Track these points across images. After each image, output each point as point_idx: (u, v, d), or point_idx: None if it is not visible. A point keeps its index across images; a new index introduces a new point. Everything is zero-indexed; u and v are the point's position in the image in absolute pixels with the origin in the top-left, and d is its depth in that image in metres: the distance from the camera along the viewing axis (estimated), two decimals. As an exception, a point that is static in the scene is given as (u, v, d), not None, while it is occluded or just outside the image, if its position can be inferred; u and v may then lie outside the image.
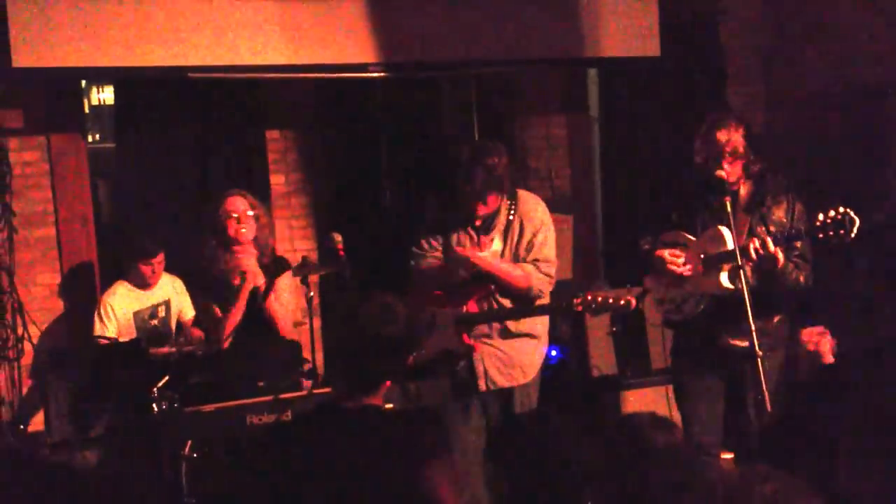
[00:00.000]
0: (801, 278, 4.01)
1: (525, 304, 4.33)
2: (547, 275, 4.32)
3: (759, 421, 3.95)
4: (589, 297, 4.19)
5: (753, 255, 3.85)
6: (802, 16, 6.10)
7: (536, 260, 4.30)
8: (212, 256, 4.50)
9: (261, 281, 4.50)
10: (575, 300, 4.22)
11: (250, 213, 4.50)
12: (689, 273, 4.11)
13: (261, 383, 4.02)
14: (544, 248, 4.33)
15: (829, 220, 3.74)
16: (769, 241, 3.85)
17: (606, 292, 4.24)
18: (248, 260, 4.48)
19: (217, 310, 4.48)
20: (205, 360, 4.37)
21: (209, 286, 4.53)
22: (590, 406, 5.54)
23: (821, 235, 3.77)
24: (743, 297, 3.74)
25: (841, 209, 3.72)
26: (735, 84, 6.33)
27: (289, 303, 4.58)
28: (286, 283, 4.57)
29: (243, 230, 4.48)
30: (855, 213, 3.69)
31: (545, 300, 4.40)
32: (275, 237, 4.71)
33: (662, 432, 2.34)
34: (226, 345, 4.37)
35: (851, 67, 5.76)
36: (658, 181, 5.80)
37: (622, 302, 4.15)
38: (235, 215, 4.48)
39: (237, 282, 4.45)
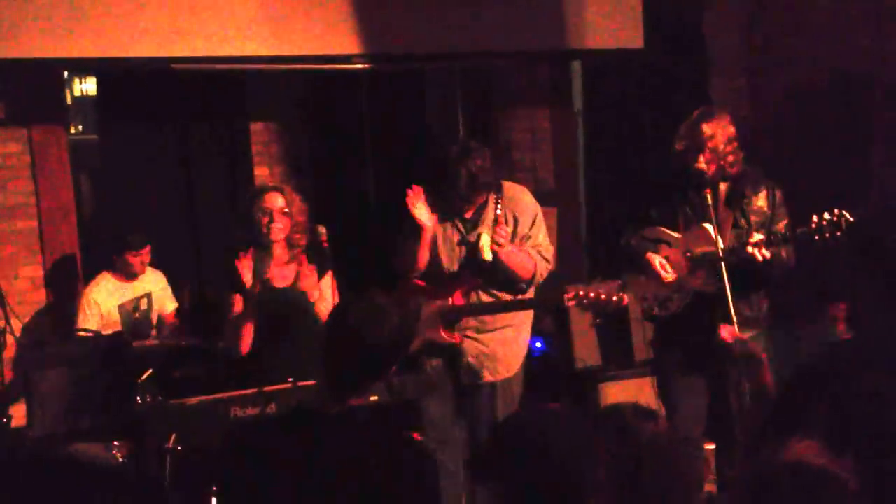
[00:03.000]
0: (792, 260, 4.07)
1: (516, 293, 4.33)
2: (546, 260, 4.33)
3: (742, 411, 3.98)
4: (581, 293, 4.19)
5: (759, 258, 3.89)
6: (787, 8, 6.12)
7: (535, 247, 4.31)
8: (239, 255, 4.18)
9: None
10: (565, 295, 4.23)
11: (286, 210, 4.22)
12: (673, 279, 4.14)
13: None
14: (539, 234, 4.34)
15: (824, 223, 3.77)
16: (752, 247, 3.89)
17: (597, 289, 4.25)
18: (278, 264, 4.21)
19: (237, 306, 4.19)
20: (188, 352, 4.31)
21: (236, 283, 4.20)
22: (573, 398, 5.56)
23: (816, 237, 3.81)
24: (724, 292, 3.79)
25: (836, 211, 3.76)
26: (719, 76, 6.34)
27: (330, 301, 4.31)
28: (328, 283, 4.32)
29: (277, 227, 4.20)
30: (848, 213, 3.74)
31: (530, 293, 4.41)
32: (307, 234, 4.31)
33: (648, 422, 2.34)
34: (246, 350, 4.15)
35: (835, 60, 5.77)
36: (641, 174, 5.82)
37: (614, 299, 4.16)
38: (270, 211, 4.19)
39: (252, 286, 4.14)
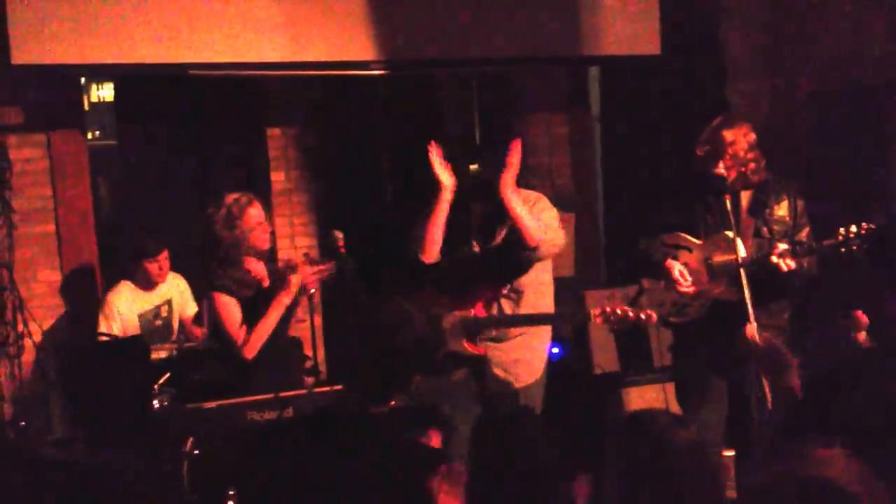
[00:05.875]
0: (814, 269, 4.05)
1: (522, 260, 4.27)
2: (553, 241, 4.26)
3: (762, 419, 3.96)
4: (608, 310, 4.17)
5: (784, 269, 3.88)
6: (803, 13, 6.09)
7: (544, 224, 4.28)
8: (238, 264, 4.16)
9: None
10: (593, 311, 4.22)
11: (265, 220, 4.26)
12: (693, 291, 4.12)
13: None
14: (552, 222, 4.29)
15: (851, 235, 3.78)
16: (778, 257, 3.88)
17: (623, 305, 4.22)
18: (301, 271, 4.10)
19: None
20: (206, 356, 4.31)
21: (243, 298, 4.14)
22: (593, 404, 5.53)
23: (843, 250, 3.81)
24: (744, 300, 3.77)
25: (864, 224, 3.76)
26: (736, 82, 6.32)
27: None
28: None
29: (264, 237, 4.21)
30: (874, 225, 3.75)
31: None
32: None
33: (681, 429, 2.33)
34: (252, 356, 4.08)
35: (852, 65, 5.75)
36: (659, 180, 5.80)
37: (643, 316, 4.14)
38: (260, 223, 4.20)
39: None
